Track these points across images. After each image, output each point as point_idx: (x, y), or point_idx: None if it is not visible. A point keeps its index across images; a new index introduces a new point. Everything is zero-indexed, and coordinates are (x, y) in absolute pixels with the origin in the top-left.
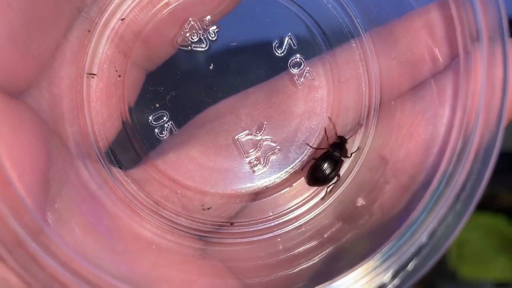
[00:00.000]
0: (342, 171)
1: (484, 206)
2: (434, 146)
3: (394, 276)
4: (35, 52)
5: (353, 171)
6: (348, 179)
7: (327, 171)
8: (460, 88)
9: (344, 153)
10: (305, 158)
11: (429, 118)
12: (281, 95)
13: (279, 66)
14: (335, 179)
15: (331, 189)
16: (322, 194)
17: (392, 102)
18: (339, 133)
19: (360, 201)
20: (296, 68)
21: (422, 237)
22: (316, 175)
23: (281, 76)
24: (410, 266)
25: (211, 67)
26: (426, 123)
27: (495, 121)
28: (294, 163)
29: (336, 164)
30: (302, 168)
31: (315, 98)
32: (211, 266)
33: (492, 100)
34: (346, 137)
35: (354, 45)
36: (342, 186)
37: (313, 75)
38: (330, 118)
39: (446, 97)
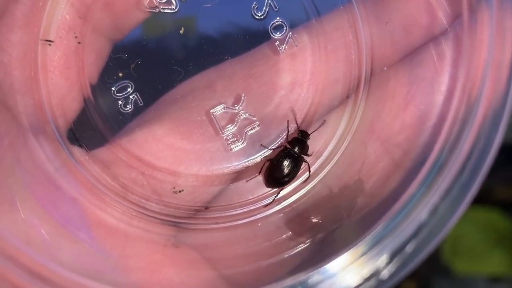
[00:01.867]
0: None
1: (479, 200)
2: (432, 117)
3: (389, 261)
4: None
5: (341, 149)
6: (336, 157)
7: (286, 171)
8: (462, 52)
9: (304, 150)
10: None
11: (427, 86)
12: (262, 65)
13: (259, 31)
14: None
15: (277, 194)
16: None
17: (385, 69)
18: (306, 125)
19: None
20: (277, 32)
21: (422, 214)
22: (275, 175)
23: (262, 46)
24: (408, 248)
25: (181, 32)
26: (423, 92)
27: (506, 77)
28: (277, 141)
29: (296, 164)
30: (259, 172)
31: (299, 68)
32: (184, 255)
33: (502, 54)
34: (309, 132)
35: (342, 9)
36: (328, 165)
37: (297, 42)
38: (293, 111)
39: (446, 62)
